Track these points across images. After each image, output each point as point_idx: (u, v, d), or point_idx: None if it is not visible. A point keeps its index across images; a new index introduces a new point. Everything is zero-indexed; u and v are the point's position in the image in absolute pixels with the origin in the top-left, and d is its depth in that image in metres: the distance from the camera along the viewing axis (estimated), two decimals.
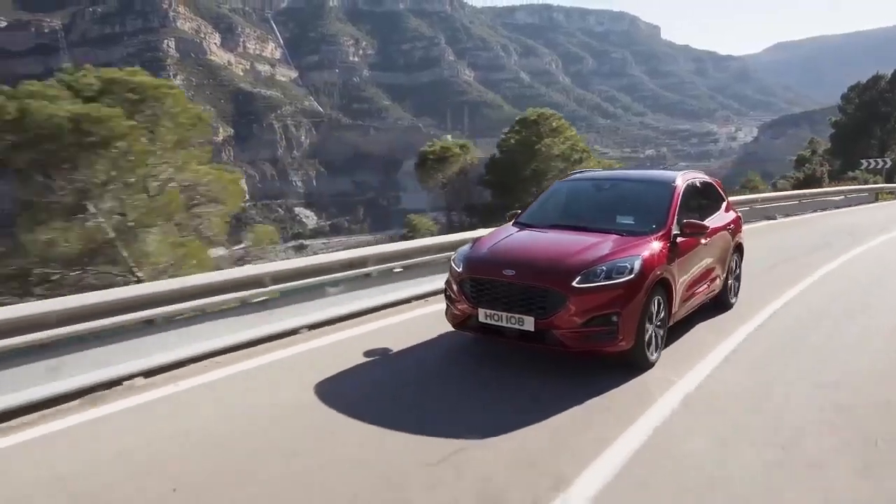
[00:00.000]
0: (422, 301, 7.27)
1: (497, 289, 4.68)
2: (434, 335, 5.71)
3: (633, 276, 4.50)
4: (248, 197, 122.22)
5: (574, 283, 4.42)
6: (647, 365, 4.74)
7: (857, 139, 37.47)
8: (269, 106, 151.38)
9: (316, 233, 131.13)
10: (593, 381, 4.51)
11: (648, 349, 4.73)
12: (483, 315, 4.71)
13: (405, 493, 3.11)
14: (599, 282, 4.45)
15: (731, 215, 6.78)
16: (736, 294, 6.87)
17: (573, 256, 4.66)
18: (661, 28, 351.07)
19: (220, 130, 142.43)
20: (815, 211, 19.12)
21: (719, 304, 6.49)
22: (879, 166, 31.04)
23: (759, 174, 46.36)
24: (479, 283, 4.81)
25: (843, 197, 21.57)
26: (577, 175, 6.72)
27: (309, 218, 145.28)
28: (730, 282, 6.60)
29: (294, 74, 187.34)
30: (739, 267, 7.00)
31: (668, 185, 5.68)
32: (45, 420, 4.04)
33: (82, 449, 3.70)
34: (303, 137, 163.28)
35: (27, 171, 10.65)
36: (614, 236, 4.98)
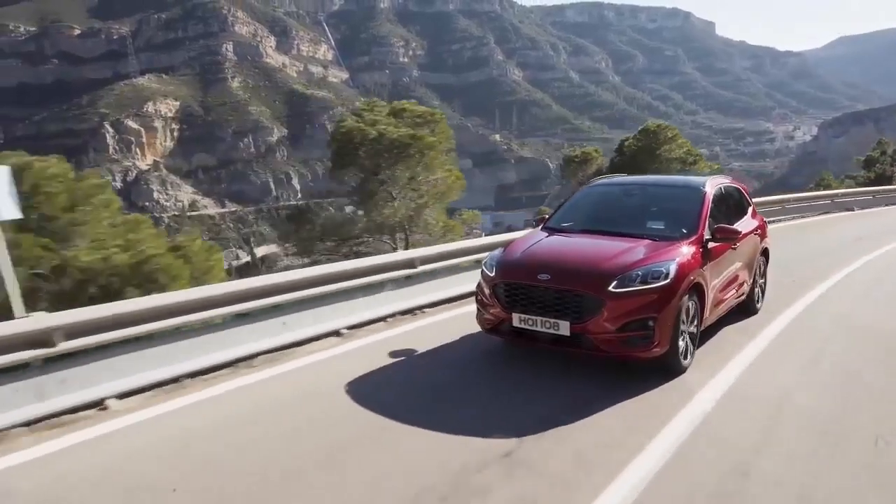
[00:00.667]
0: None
1: (532, 293, 4.66)
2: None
3: (668, 280, 4.52)
4: (299, 195, 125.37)
5: (610, 288, 4.42)
6: (680, 370, 4.74)
7: None
8: (321, 107, 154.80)
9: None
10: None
11: (681, 354, 4.73)
12: (517, 320, 4.69)
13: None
14: (635, 286, 4.45)
15: (757, 220, 6.73)
16: (762, 299, 6.74)
17: (609, 261, 4.64)
18: (716, 24, 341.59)
19: (275, 131, 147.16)
20: (887, 205, 21.66)
21: (745, 309, 6.39)
22: None
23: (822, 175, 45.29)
24: (512, 287, 4.80)
25: None
26: (605, 180, 6.66)
27: (359, 215, 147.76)
28: (756, 287, 6.53)
29: (345, 76, 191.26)
30: (765, 272, 6.91)
31: (699, 191, 5.66)
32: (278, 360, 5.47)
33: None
34: None
35: (368, 170, 16.84)
36: (647, 241, 4.97)
